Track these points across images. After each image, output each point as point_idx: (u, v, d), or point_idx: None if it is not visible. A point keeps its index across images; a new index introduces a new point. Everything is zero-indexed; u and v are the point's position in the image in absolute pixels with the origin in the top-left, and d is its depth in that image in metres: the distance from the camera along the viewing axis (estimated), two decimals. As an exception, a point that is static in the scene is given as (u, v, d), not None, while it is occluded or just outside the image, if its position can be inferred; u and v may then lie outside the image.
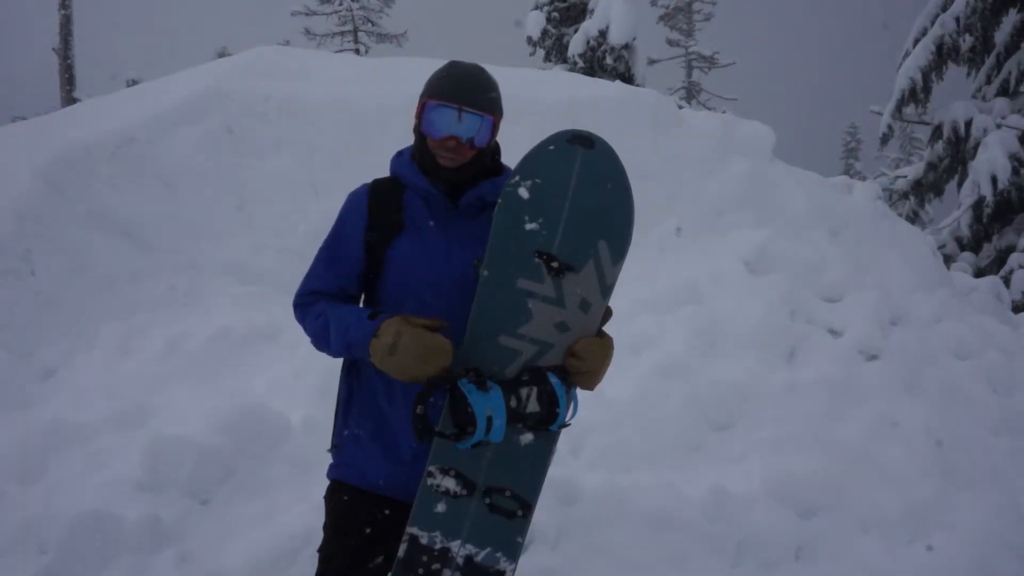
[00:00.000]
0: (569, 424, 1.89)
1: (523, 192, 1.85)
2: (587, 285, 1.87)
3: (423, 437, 1.79)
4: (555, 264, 1.84)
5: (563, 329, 1.87)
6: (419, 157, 1.97)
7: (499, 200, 1.87)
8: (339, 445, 2.05)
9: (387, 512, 1.99)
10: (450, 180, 1.95)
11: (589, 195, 1.86)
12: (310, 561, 2.83)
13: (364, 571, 1.97)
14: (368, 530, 1.98)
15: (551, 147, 1.87)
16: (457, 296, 1.90)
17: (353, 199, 2.02)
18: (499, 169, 2.05)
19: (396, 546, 1.92)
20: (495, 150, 2.06)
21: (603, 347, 1.92)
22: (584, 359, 1.88)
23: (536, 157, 1.86)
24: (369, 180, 2.06)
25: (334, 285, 2.00)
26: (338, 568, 1.97)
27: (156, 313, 4.56)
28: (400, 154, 2.05)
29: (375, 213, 1.96)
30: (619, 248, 1.88)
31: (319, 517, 2.10)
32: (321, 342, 1.96)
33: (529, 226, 1.85)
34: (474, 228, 1.95)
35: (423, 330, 1.78)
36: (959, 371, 4.87)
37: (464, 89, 1.90)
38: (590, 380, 1.93)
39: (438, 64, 2.01)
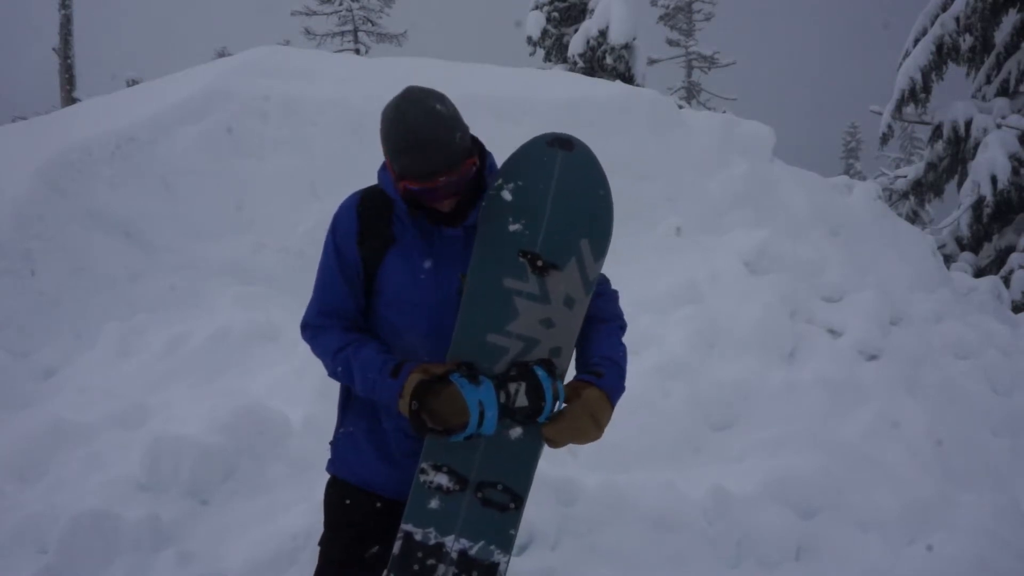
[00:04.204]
0: None
1: (506, 195, 1.90)
2: (571, 282, 1.92)
3: (419, 431, 1.83)
4: (539, 263, 1.89)
5: (548, 325, 1.92)
6: (409, 202, 1.88)
7: (483, 203, 1.90)
8: (336, 441, 2.10)
9: (379, 505, 2.03)
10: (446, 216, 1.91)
11: (570, 195, 1.92)
12: (310, 561, 2.83)
13: (359, 561, 2.04)
14: (360, 523, 2.04)
15: (532, 150, 1.92)
16: (445, 312, 1.91)
17: (342, 212, 1.98)
18: (483, 182, 1.95)
19: (391, 536, 1.96)
20: (480, 151, 1.98)
21: (576, 427, 1.93)
22: (556, 441, 1.93)
23: (518, 160, 1.93)
24: (370, 180, 2.03)
25: (350, 303, 1.97)
26: (333, 559, 2.06)
27: (156, 313, 4.56)
28: (385, 170, 1.96)
29: (365, 225, 1.94)
30: (600, 245, 1.94)
31: (319, 516, 2.14)
32: (342, 380, 1.98)
33: (513, 227, 1.90)
34: (460, 242, 1.93)
35: (444, 392, 1.81)
36: (959, 371, 4.88)
37: (437, 156, 1.76)
38: (583, 440, 1.97)
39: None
